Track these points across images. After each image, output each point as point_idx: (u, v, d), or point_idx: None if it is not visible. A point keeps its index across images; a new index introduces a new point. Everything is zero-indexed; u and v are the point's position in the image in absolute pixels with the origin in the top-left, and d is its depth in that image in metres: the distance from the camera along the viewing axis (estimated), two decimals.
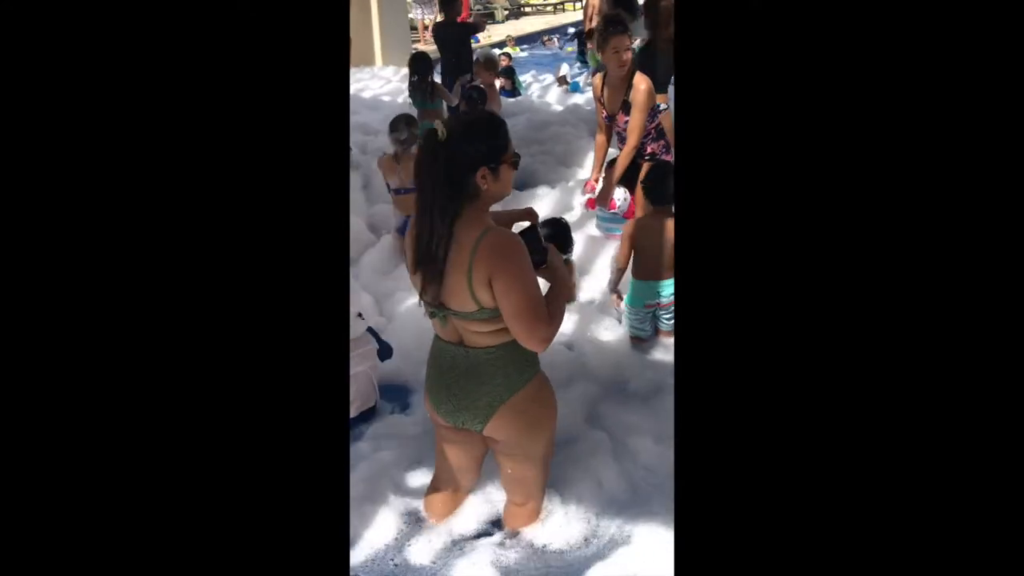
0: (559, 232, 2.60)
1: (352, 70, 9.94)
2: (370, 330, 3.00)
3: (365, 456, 2.69)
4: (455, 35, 6.66)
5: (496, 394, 1.93)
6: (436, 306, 1.88)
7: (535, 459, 2.09)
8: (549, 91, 8.99)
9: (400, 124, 4.27)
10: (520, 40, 12.82)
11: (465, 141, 1.74)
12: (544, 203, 5.01)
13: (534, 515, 2.25)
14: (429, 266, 1.81)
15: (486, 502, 2.40)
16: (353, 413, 2.93)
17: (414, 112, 5.46)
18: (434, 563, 2.22)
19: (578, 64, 10.17)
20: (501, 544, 2.25)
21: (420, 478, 2.57)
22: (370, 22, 10.40)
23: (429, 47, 8.98)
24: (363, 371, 2.94)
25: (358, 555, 2.28)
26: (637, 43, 4.30)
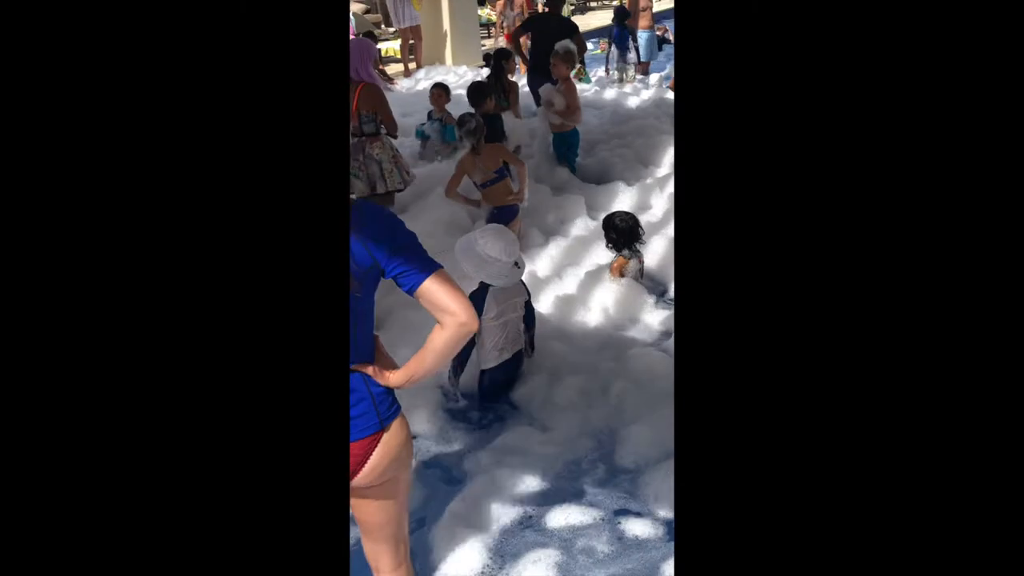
0: None
1: (424, 68, 9.91)
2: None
3: (483, 469, 2.45)
4: (555, 28, 6.11)
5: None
6: None
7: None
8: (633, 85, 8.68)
9: (466, 117, 4.27)
10: (588, 35, 12.24)
11: None
12: (620, 201, 4.82)
13: None
14: None
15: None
16: (506, 357, 2.91)
17: None
18: None
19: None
20: None
21: (537, 501, 2.33)
22: (441, 22, 10.34)
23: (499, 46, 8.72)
24: (515, 318, 2.93)
25: None
26: None
